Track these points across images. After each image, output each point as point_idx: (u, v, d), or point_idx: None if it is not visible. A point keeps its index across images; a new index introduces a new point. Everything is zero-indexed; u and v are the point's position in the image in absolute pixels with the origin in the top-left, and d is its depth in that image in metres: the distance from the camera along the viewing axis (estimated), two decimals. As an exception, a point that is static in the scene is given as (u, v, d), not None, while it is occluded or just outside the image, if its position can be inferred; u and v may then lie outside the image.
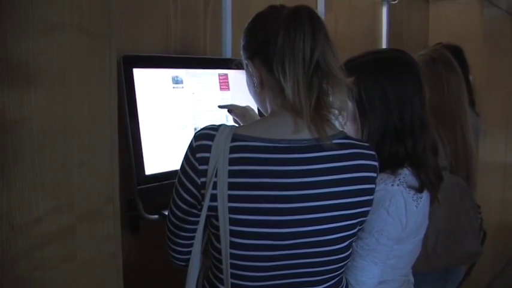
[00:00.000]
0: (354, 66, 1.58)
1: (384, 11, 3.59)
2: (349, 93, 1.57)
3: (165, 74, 1.83)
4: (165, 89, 1.82)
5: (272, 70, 1.28)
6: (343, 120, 1.35)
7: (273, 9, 1.34)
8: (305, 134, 1.27)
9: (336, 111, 1.31)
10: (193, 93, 1.90)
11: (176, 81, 1.86)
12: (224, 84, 2.03)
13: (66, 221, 1.25)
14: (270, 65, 1.28)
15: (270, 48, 1.27)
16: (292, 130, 1.27)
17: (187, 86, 1.89)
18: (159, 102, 1.79)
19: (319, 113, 1.27)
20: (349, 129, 1.61)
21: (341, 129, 1.34)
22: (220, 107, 1.89)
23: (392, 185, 1.48)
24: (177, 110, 1.84)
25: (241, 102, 1.86)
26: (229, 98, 2.02)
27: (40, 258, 1.20)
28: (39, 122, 1.18)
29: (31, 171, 1.17)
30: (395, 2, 3.59)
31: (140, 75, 1.73)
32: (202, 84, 1.95)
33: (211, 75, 2.00)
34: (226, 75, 2.04)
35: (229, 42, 2.23)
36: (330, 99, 1.29)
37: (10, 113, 1.13)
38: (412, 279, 1.66)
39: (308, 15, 1.26)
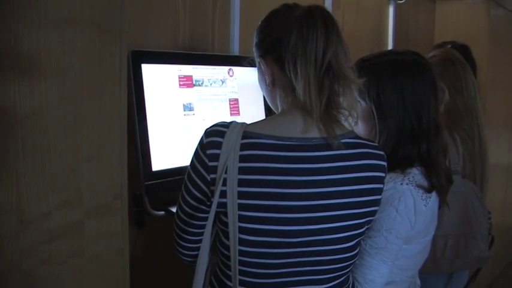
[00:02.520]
0: (371, 65, 1.58)
1: (391, 10, 3.59)
2: (364, 93, 1.57)
3: (173, 71, 1.83)
4: (173, 85, 1.82)
5: (284, 69, 1.28)
6: (353, 121, 1.35)
7: (287, 8, 1.34)
8: (314, 133, 1.27)
9: (346, 112, 1.31)
10: (204, 120, 1.89)
11: (188, 108, 1.85)
12: (234, 109, 2.03)
13: (75, 216, 1.25)
14: (282, 64, 1.28)
15: (282, 47, 1.27)
16: (301, 129, 1.27)
17: (198, 112, 1.88)
18: (167, 99, 1.78)
19: (328, 113, 1.27)
20: (361, 128, 1.61)
21: (351, 129, 1.34)
22: None
23: (402, 183, 1.49)
24: (188, 137, 1.83)
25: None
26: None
27: (48, 253, 1.20)
28: (49, 116, 1.18)
29: (40, 166, 1.17)
30: (402, 1, 3.59)
31: (149, 70, 1.73)
32: (213, 110, 1.95)
33: (222, 100, 1.99)
34: (236, 100, 2.04)
35: (237, 39, 2.23)
36: (341, 99, 1.29)
37: (21, 106, 1.13)
38: (418, 281, 1.66)
39: (322, 15, 1.27)
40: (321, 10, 1.28)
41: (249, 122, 1.32)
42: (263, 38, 1.35)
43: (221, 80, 1.99)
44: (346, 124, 1.34)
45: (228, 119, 1.96)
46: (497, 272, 5.02)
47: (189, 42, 2.04)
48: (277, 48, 1.28)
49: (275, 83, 1.33)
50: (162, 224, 1.76)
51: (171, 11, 1.97)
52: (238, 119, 1.98)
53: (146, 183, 1.69)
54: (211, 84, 1.95)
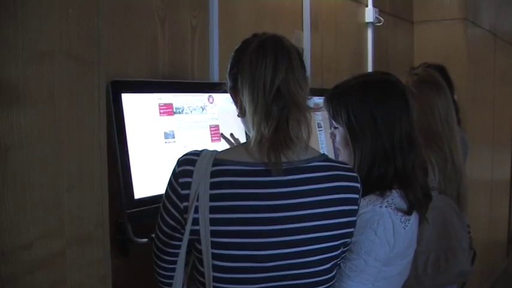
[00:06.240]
0: (341, 91, 1.61)
1: (369, 32, 3.64)
2: (339, 119, 1.60)
3: (153, 99, 1.85)
4: (154, 113, 1.84)
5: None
6: (305, 148, 1.35)
7: (250, 38, 1.39)
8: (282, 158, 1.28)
9: (304, 137, 1.33)
10: (185, 147, 1.90)
11: (170, 136, 1.87)
12: (215, 136, 2.05)
13: (56, 246, 1.25)
14: (242, 94, 1.33)
15: (239, 78, 1.32)
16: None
17: (179, 139, 1.90)
18: (147, 127, 1.80)
19: (280, 139, 1.28)
20: (342, 154, 1.63)
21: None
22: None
23: (381, 206, 1.50)
24: (170, 165, 1.83)
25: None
26: (220, 149, 2.01)
27: (30, 284, 1.20)
28: (29, 148, 1.19)
29: (21, 196, 1.18)
30: (380, 24, 3.64)
31: (129, 100, 1.75)
32: (194, 137, 1.96)
33: (203, 127, 2.01)
34: (217, 126, 2.06)
35: (217, 66, 2.25)
36: (292, 126, 1.30)
37: (1, 139, 1.14)
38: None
39: (273, 44, 1.31)
40: (273, 39, 1.32)
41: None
42: (230, 69, 1.40)
43: (201, 107, 2.01)
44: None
45: (209, 145, 1.98)
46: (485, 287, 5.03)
47: (169, 70, 2.06)
48: (237, 80, 1.34)
49: (245, 112, 1.36)
50: (146, 251, 1.76)
51: (150, 40, 1.99)
52: (219, 145, 2.00)
53: (128, 211, 1.70)
54: (191, 111, 1.97)
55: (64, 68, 1.26)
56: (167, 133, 1.86)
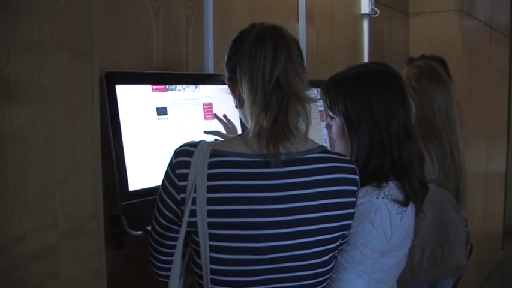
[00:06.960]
0: (338, 81, 1.60)
1: (365, 24, 3.63)
2: (335, 110, 1.59)
3: (147, 90, 1.84)
4: (148, 104, 1.83)
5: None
6: (304, 139, 1.34)
7: (248, 28, 1.37)
8: (279, 149, 1.27)
9: (303, 128, 1.32)
10: (178, 124, 1.90)
11: (161, 112, 1.85)
12: (209, 114, 2.03)
13: (50, 239, 1.24)
14: (240, 85, 1.31)
15: (237, 68, 1.31)
16: (266, 145, 1.28)
17: (171, 116, 1.89)
18: (142, 118, 1.79)
19: (279, 130, 1.27)
20: (338, 144, 1.62)
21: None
22: (206, 132, 1.90)
23: (377, 197, 1.50)
24: (162, 141, 1.84)
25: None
26: (214, 127, 2.02)
27: (23, 277, 1.19)
28: (21, 140, 1.18)
29: (14, 189, 1.17)
30: (376, 15, 3.63)
31: (123, 91, 1.73)
32: (187, 114, 1.95)
33: (196, 104, 2.00)
34: (210, 104, 2.05)
35: (212, 58, 2.24)
36: (292, 117, 1.29)
37: (-8, 131, 1.13)
38: (397, 292, 1.67)
39: (272, 34, 1.29)
40: (272, 29, 1.31)
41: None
42: (228, 61, 1.39)
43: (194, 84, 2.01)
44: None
45: (203, 123, 1.99)
46: (481, 279, 5.05)
47: (163, 62, 2.05)
48: (236, 70, 1.32)
49: (242, 103, 1.35)
50: (141, 243, 1.76)
51: (144, 32, 1.98)
52: (213, 124, 1.99)
53: (123, 203, 1.70)
54: (184, 88, 1.97)
55: (56, 60, 1.25)
56: (160, 109, 1.85)
